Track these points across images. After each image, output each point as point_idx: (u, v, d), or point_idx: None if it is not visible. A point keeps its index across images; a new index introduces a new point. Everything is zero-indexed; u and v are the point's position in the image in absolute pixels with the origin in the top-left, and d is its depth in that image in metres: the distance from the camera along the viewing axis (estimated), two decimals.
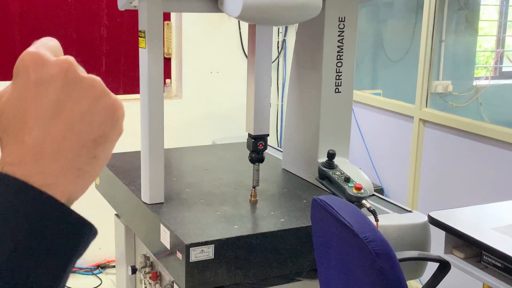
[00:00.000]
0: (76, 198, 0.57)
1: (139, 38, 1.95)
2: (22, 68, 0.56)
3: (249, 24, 2.08)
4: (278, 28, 3.89)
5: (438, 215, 2.05)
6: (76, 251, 0.56)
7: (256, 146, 2.05)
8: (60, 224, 0.54)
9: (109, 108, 0.56)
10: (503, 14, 4.36)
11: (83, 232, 0.56)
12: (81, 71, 0.55)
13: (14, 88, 0.55)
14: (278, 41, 3.97)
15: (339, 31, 2.14)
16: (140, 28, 1.93)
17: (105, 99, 0.55)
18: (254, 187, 2.06)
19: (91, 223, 0.56)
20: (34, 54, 0.57)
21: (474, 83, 4.02)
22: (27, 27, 3.51)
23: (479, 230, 1.97)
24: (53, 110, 0.53)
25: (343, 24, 2.14)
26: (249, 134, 2.08)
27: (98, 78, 0.56)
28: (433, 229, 2.03)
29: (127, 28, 3.68)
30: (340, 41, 2.15)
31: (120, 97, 3.63)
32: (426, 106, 3.33)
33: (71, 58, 0.57)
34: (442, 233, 2.10)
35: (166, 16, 3.73)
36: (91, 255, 3.65)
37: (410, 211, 2.09)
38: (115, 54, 3.72)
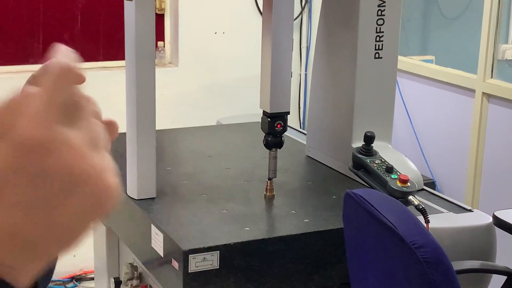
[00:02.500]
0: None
1: None
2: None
3: None
4: None
5: (506, 215, 2.04)
6: None
7: (273, 127, 2.04)
8: None
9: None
10: None
11: None
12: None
13: None
14: None
15: None
16: None
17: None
18: (270, 179, 2.05)
19: None
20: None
21: None
22: None
23: None
24: None
25: None
26: (264, 112, 2.07)
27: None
28: (499, 233, 2.02)
29: None
30: None
31: (99, 64, 3.66)
32: (492, 77, 3.30)
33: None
34: (510, 238, 2.08)
35: None
36: (63, 265, 3.67)
37: (470, 210, 2.07)
38: (93, 10, 3.73)
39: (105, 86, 3.61)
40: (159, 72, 2.03)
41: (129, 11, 1.93)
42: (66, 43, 3.61)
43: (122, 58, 3.67)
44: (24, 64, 3.66)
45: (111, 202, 0.55)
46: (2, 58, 3.64)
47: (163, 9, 3.82)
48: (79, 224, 0.54)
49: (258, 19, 3.78)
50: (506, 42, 3.63)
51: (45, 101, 0.55)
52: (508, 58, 3.61)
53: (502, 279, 1.97)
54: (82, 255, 3.58)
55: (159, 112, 2.03)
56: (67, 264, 3.67)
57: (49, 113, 0.54)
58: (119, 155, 2.14)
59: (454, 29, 3.99)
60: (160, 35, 3.80)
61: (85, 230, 0.55)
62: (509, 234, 2.06)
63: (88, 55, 3.72)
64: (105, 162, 0.57)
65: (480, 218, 2.02)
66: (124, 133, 2.05)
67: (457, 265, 1.72)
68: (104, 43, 3.77)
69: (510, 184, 3.23)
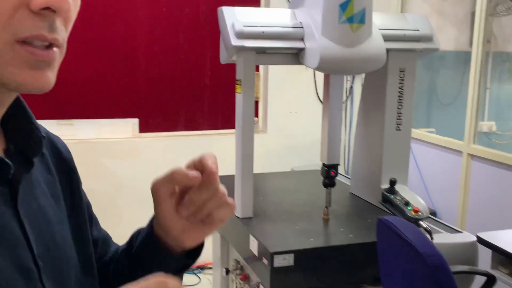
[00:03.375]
0: None
1: (236, 85, 1.97)
2: None
3: (324, 74, 2.07)
4: (347, 77, 3.87)
5: (486, 236, 1.96)
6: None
7: (329, 173, 2.02)
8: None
9: None
10: None
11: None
12: None
13: None
14: (346, 88, 3.94)
15: (399, 79, 2.10)
16: (237, 77, 1.96)
17: None
18: (326, 207, 2.02)
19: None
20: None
21: None
22: (150, 77, 3.64)
23: None
24: None
25: (403, 73, 2.10)
26: (323, 163, 2.05)
27: None
28: (481, 248, 1.94)
29: (225, 77, 3.75)
30: (401, 87, 2.11)
31: (218, 131, 3.72)
32: (474, 143, 3.21)
33: None
34: (488, 251, 2.00)
35: (256, 68, 3.78)
36: None
37: (460, 232, 2.00)
38: (215, 98, 3.80)
39: (221, 145, 3.65)
40: (255, 137, 2.04)
41: (239, 98, 1.96)
42: (199, 116, 3.72)
43: (233, 127, 3.73)
44: (168, 131, 3.73)
45: None
46: (153, 126, 3.72)
47: (258, 97, 3.88)
48: None
49: (317, 103, 3.79)
50: (483, 120, 3.56)
51: None
52: (484, 131, 3.55)
53: (483, 279, 1.89)
54: (205, 252, 3.60)
55: (255, 162, 2.03)
56: None
57: None
58: (230, 189, 2.15)
59: (448, 111, 3.92)
60: (255, 113, 3.84)
61: None
62: (487, 248, 1.98)
63: (211, 125, 3.79)
64: None
65: (467, 237, 1.94)
66: (233, 175, 2.06)
67: (452, 268, 1.65)
68: (221, 118, 3.83)
69: (486, 215, 3.12)
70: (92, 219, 0.88)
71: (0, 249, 0.59)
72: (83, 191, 0.85)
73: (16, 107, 0.66)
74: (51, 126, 3.33)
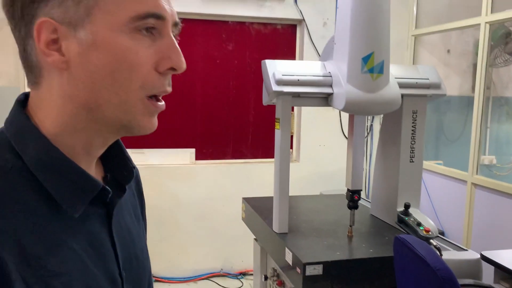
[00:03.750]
0: None
1: (275, 123, 1.98)
2: None
3: (349, 114, 2.06)
4: (368, 116, 3.84)
5: (489, 254, 1.88)
6: None
7: (353, 197, 1.99)
8: None
9: None
10: None
11: None
12: None
13: None
14: (367, 125, 3.90)
15: (412, 120, 2.07)
16: (276, 116, 1.97)
17: None
18: (350, 226, 1.98)
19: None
20: None
21: None
22: (205, 115, 3.71)
23: None
24: None
25: (416, 115, 2.07)
26: (348, 189, 2.02)
27: None
28: (484, 264, 1.85)
29: (266, 116, 3.78)
30: (413, 126, 2.07)
31: (259, 160, 3.73)
32: (477, 174, 3.10)
33: None
34: (491, 268, 1.91)
35: (291, 108, 3.80)
36: (237, 265, 3.66)
37: (466, 250, 1.91)
38: (257, 133, 3.82)
39: (261, 171, 3.66)
40: (290, 165, 2.03)
41: (278, 134, 1.97)
42: (243, 147, 3.74)
43: (271, 156, 3.73)
44: (220, 159, 3.76)
45: None
46: (207, 155, 3.75)
47: (292, 132, 3.88)
48: None
49: (341, 138, 3.76)
50: (484, 154, 3.44)
51: None
52: (485, 163, 3.43)
53: None
54: (247, 261, 3.58)
55: (290, 186, 2.02)
56: (239, 265, 3.66)
57: None
58: (269, 208, 2.14)
59: (454, 146, 3.83)
60: (290, 145, 3.85)
61: None
62: (490, 264, 1.89)
63: (253, 154, 3.80)
64: None
65: (472, 255, 1.86)
66: (272, 197, 2.06)
67: (460, 282, 1.58)
68: (262, 149, 3.84)
69: (490, 235, 2.98)
70: None
71: (97, 262, 0.60)
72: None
73: (114, 142, 0.67)
74: None
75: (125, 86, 0.56)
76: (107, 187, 0.62)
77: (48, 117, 0.58)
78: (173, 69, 0.59)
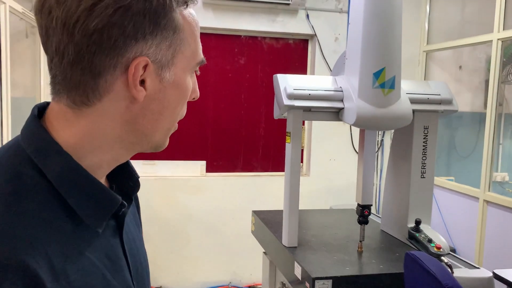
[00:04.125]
0: None
1: (286, 137, 1.99)
2: None
3: (360, 129, 2.06)
4: (379, 131, 3.82)
5: (502, 273, 1.84)
6: None
7: (363, 212, 1.97)
8: None
9: None
10: None
11: None
12: None
13: None
14: (378, 140, 3.89)
15: (424, 135, 2.06)
16: (287, 130, 1.98)
17: None
18: (360, 241, 1.97)
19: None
20: None
21: None
22: (216, 127, 3.73)
23: None
24: None
25: (427, 130, 2.06)
26: (358, 204, 2.01)
27: None
28: (497, 283, 1.82)
29: (277, 130, 3.79)
30: (425, 142, 2.06)
31: (269, 173, 3.73)
32: (489, 191, 3.06)
33: None
34: (504, 286, 1.87)
35: (302, 122, 3.80)
36: (246, 278, 3.64)
37: (478, 268, 1.88)
38: (268, 146, 3.82)
39: (271, 185, 3.65)
40: (300, 179, 2.02)
41: (288, 148, 1.97)
42: (254, 160, 3.75)
43: (281, 170, 3.73)
44: (231, 172, 3.77)
45: None
46: (217, 168, 3.76)
47: (303, 146, 3.87)
48: None
49: (352, 152, 3.75)
50: (497, 171, 3.40)
51: None
52: (498, 180, 3.38)
53: None
54: (256, 274, 3.56)
55: (300, 200, 2.01)
56: (247, 278, 3.63)
57: None
58: (278, 222, 2.14)
59: (466, 162, 3.78)
60: (301, 159, 3.84)
61: None
62: (502, 283, 1.85)
63: (263, 167, 3.80)
64: None
65: (485, 273, 1.82)
66: (281, 210, 2.05)
67: None
68: (272, 162, 3.83)
69: (502, 253, 2.93)
70: None
71: (115, 273, 0.62)
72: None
73: None
74: (137, 165, 3.45)
75: (177, 115, 0.66)
76: (123, 201, 0.63)
77: (78, 135, 0.59)
78: (193, 98, 0.70)
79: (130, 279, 0.65)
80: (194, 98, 0.70)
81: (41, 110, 0.62)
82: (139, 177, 0.72)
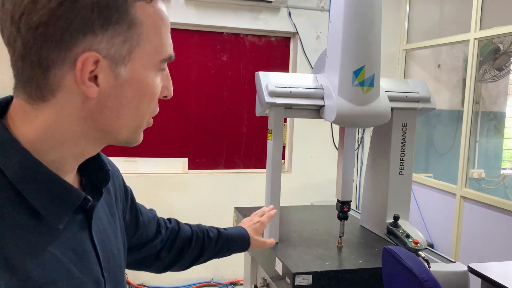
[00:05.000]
0: None
1: (268, 134, 2.00)
2: None
3: (340, 126, 2.08)
4: (358, 129, 3.87)
5: (476, 266, 1.89)
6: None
7: (343, 208, 2.00)
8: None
9: None
10: None
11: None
12: None
13: None
14: (358, 138, 3.94)
15: (402, 132, 2.09)
16: (269, 127, 1.99)
17: None
18: (340, 237, 1.99)
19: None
20: None
21: (501, 172, 3.76)
22: (199, 124, 3.72)
23: (509, 280, 1.78)
24: None
25: (405, 128, 2.09)
26: (338, 200, 2.04)
27: None
28: (472, 277, 1.87)
29: (259, 127, 3.80)
30: (403, 139, 2.10)
31: (251, 170, 3.74)
32: (466, 187, 3.13)
33: None
34: (478, 280, 1.93)
35: (284, 120, 3.82)
36: (227, 274, 3.65)
37: (454, 262, 1.92)
38: (250, 143, 3.83)
39: (253, 182, 3.67)
40: (282, 176, 2.04)
41: (270, 145, 1.98)
42: (236, 157, 3.75)
43: (263, 167, 3.74)
44: (213, 169, 3.77)
45: None
46: (199, 165, 3.76)
47: (285, 143, 3.90)
48: None
49: (333, 149, 3.78)
50: (473, 168, 3.48)
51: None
52: (474, 177, 3.46)
53: None
54: (238, 271, 3.57)
55: (281, 196, 2.03)
56: (229, 275, 3.64)
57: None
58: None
59: (443, 159, 3.86)
60: (282, 156, 3.85)
61: None
62: (477, 277, 1.91)
63: (246, 164, 3.81)
64: None
65: (460, 267, 1.86)
66: (263, 207, 2.05)
67: None
68: (255, 159, 3.84)
69: (478, 248, 3.00)
70: (139, 211, 0.97)
71: (81, 267, 0.61)
72: (131, 194, 0.91)
73: None
74: (118, 162, 3.42)
75: (143, 113, 0.64)
76: (86, 194, 0.63)
77: (38, 131, 0.58)
78: (165, 96, 0.68)
79: (99, 271, 0.65)
80: (166, 97, 0.68)
81: (4, 105, 0.61)
82: (110, 170, 0.72)
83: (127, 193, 0.88)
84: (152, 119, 0.68)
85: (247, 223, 1.29)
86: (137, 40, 0.59)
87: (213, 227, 1.20)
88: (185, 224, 1.15)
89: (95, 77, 0.58)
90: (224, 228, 1.22)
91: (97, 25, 0.55)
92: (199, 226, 1.17)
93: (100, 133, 0.62)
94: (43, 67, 0.56)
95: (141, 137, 0.67)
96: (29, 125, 0.58)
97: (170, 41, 0.65)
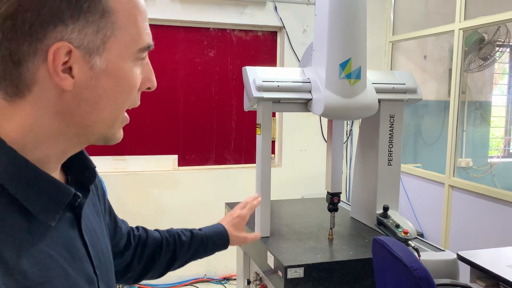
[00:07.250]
0: None
1: (257, 128, 2.00)
2: None
3: (328, 119, 2.09)
4: (347, 121, 3.89)
5: (465, 254, 1.91)
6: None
7: (333, 200, 2.01)
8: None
9: None
10: (509, 111, 4.16)
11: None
12: None
13: None
14: (346, 130, 3.95)
15: (390, 124, 2.11)
16: (257, 122, 1.99)
17: None
18: (331, 229, 2.01)
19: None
20: None
21: (489, 160, 3.81)
22: (188, 121, 3.71)
23: (496, 266, 1.81)
24: None
25: (393, 119, 2.11)
26: (328, 192, 2.05)
27: None
28: (461, 264, 1.89)
29: (248, 122, 3.80)
30: (391, 130, 2.11)
31: (241, 165, 3.75)
32: (454, 176, 3.16)
33: None
34: (467, 267, 1.95)
35: (272, 114, 3.82)
36: (220, 270, 3.66)
37: (443, 250, 1.95)
38: (240, 138, 3.83)
39: (244, 177, 3.67)
40: (272, 170, 2.04)
41: (259, 139, 1.98)
42: (226, 152, 3.76)
43: (253, 162, 3.74)
44: (203, 165, 3.76)
45: None
46: (189, 161, 3.75)
47: (274, 138, 3.90)
48: None
49: (322, 143, 3.80)
50: (461, 157, 3.52)
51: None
52: (462, 166, 3.50)
53: None
54: (230, 266, 3.57)
55: (271, 190, 2.03)
56: (222, 270, 3.65)
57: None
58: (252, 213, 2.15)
59: (431, 149, 3.90)
60: (272, 150, 3.87)
61: None
62: (466, 264, 1.93)
63: (236, 160, 3.81)
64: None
65: (449, 255, 1.89)
66: None
67: (437, 281, 1.62)
68: (244, 154, 3.85)
69: (467, 236, 3.04)
70: (117, 218, 0.95)
71: (74, 265, 0.61)
72: (106, 197, 0.89)
73: None
74: (108, 161, 3.40)
75: (122, 105, 0.62)
76: (77, 192, 0.63)
77: (19, 129, 0.57)
78: (149, 88, 0.67)
79: (91, 269, 0.65)
80: (149, 88, 0.66)
81: None
82: (95, 167, 0.71)
83: (104, 196, 0.87)
84: (128, 117, 0.66)
85: (227, 219, 1.23)
86: (111, 29, 0.57)
87: (186, 229, 1.13)
88: (154, 230, 1.10)
89: (70, 69, 0.56)
90: (199, 229, 1.16)
91: (67, 15, 0.54)
92: (169, 230, 1.12)
93: (79, 129, 0.60)
94: (15, 62, 0.54)
95: (120, 134, 0.65)
96: (9, 124, 0.57)
97: (148, 30, 0.63)
